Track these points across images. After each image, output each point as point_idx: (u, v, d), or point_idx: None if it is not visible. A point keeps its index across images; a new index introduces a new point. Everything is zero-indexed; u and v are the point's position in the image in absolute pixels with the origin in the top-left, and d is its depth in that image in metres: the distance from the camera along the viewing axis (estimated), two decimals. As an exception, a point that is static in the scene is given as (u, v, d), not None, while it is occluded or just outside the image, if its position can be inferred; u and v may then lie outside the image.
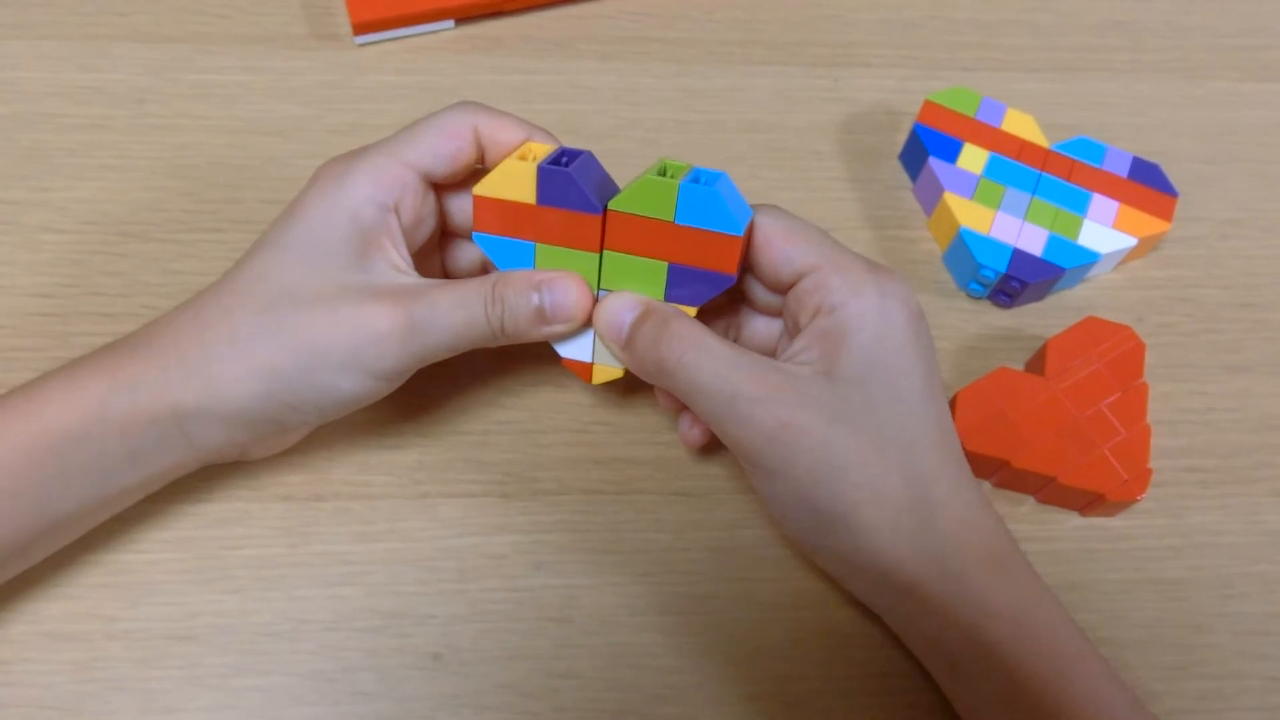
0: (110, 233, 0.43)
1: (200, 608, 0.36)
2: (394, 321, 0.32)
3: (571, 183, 0.33)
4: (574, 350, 0.36)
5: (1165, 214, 0.46)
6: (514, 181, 0.33)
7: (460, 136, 0.34)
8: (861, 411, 0.32)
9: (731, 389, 0.32)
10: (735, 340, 0.39)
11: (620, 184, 0.36)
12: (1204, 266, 0.48)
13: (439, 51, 0.50)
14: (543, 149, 0.35)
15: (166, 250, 0.43)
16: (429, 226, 0.36)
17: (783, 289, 0.35)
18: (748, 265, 0.35)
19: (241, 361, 0.32)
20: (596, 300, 0.35)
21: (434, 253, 0.39)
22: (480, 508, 0.39)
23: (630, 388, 0.42)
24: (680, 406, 0.38)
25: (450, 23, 0.50)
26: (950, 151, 0.46)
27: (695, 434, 0.38)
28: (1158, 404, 0.43)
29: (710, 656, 0.37)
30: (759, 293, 0.37)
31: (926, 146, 0.47)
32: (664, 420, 0.41)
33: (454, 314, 0.33)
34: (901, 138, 0.50)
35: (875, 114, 0.51)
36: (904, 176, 0.49)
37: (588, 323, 0.35)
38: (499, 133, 0.35)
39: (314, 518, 0.38)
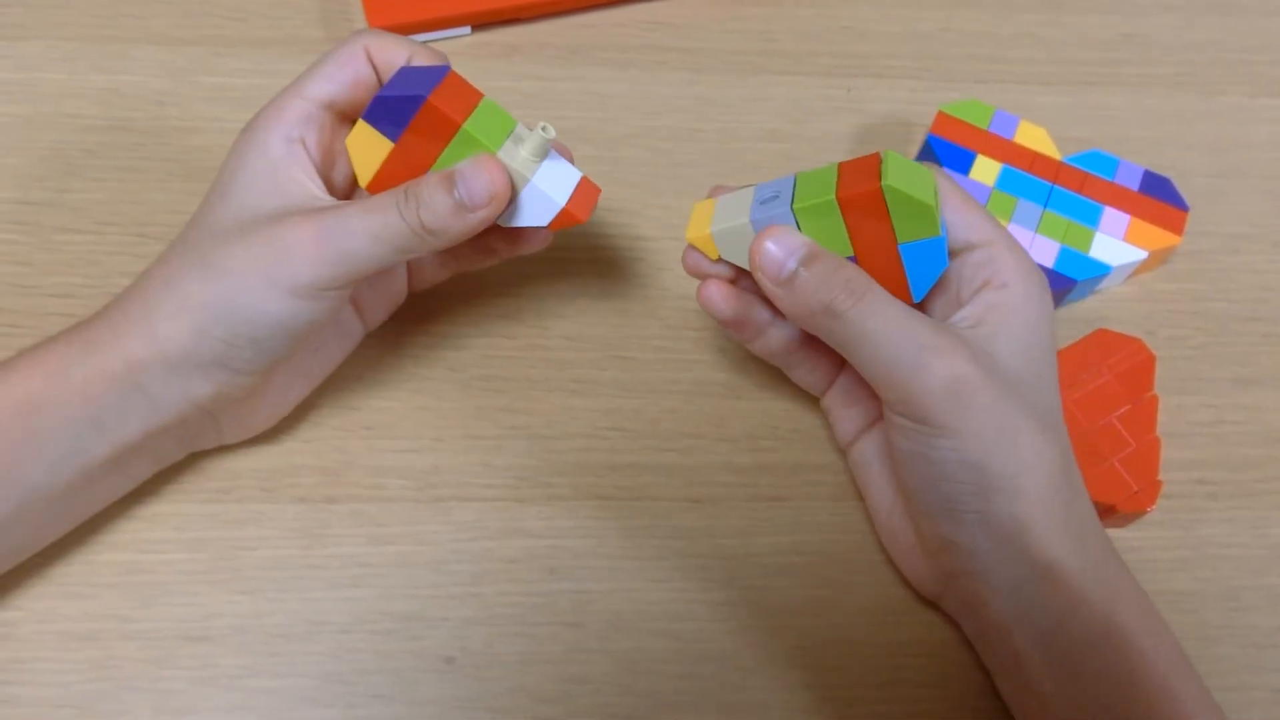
0: (129, 234, 0.43)
1: (214, 608, 0.37)
2: (302, 232, 0.32)
3: (384, 101, 0.33)
4: (533, 215, 0.35)
5: (1176, 228, 0.46)
6: (366, 143, 0.34)
7: (353, 60, 0.36)
8: (1027, 385, 0.33)
9: (913, 336, 0.32)
10: None
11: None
12: (1214, 280, 0.48)
13: (454, 57, 0.49)
14: None
15: (183, 252, 0.43)
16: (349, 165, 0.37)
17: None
18: None
19: (171, 301, 0.33)
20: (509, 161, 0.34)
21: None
22: (494, 512, 0.39)
23: (640, 395, 0.42)
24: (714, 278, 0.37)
25: (466, 29, 0.51)
26: (963, 163, 0.47)
27: (722, 294, 0.37)
28: (1167, 416, 0.43)
29: (721, 663, 0.37)
30: None
31: (939, 158, 0.47)
32: (677, 427, 0.42)
33: (365, 218, 0.33)
34: (914, 149, 0.50)
35: (888, 125, 0.51)
36: (916, 187, 0.49)
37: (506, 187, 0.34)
38: (387, 52, 0.36)
39: (328, 520, 0.38)
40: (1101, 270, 0.45)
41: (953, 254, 0.35)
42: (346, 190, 0.38)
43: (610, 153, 0.48)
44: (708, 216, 0.36)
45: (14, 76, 0.47)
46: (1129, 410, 0.41)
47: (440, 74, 0.34)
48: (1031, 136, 0.48)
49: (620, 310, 0.44)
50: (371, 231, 0.33)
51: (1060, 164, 0.47)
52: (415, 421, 0.41)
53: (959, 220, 0.35)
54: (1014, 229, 0.45)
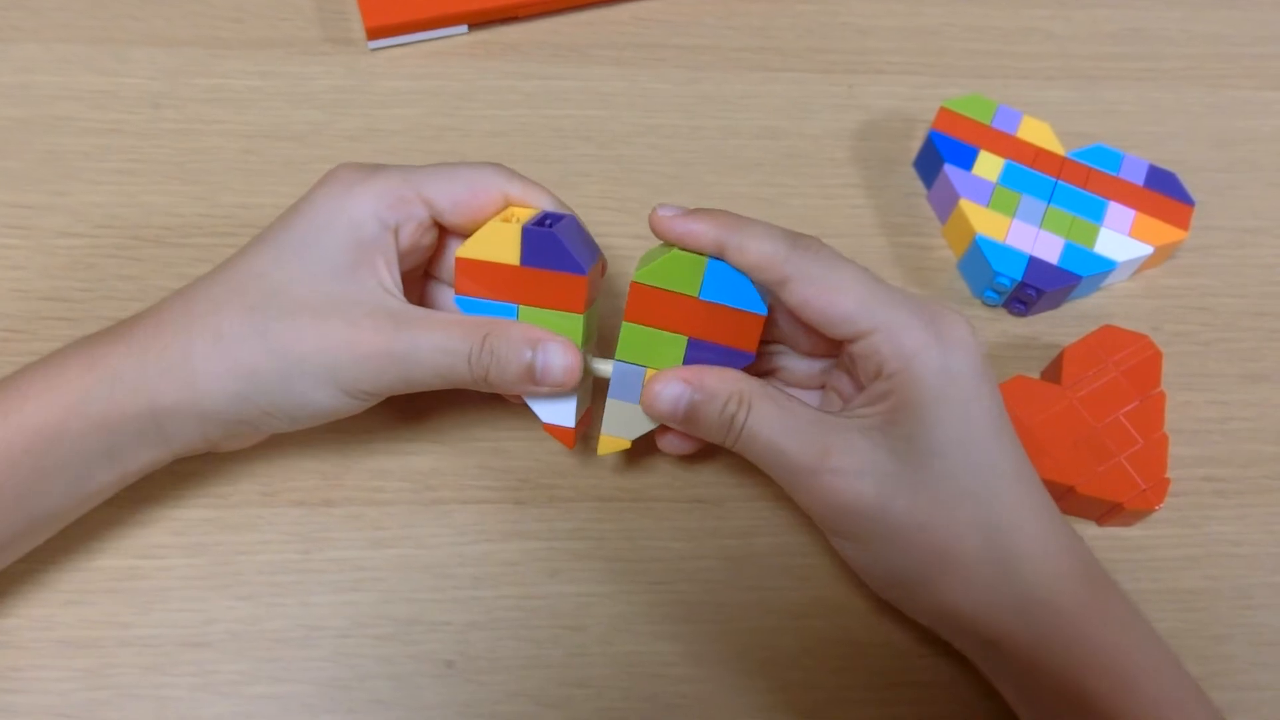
0: (125, 236, 0.43)
1: (213, 614, 0.36)
2: (374, 347, 0.32)
3: (556, 243, 0.33)
4: (555, 415, 0.36)
5: (1182, 222, 0.46)
6: (498, 243, 0.33)
7: (485, 196, 0.34)
8: (927, 471, 0.31)
9: (789, 461, 0.32)
10: (773, 376, 0.38)
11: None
12: (1221, 275, 0.48)
13: (452, 56, 0.50)
14: (526, 212, 0.35)
15: (181, 254, 0.43)
16: (418, 259, 0.36)
17: (835, 346, 0.35)
18: (794, 316, 0.34)
19: (222, 360, 0.32)
20: (586, 365, 0.34)
21: (418, 281, 0.38)
22: (494, 514, 0.39)
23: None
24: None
25: (464, 28, 0.50)
26: (966, 158, 0.46)
27: (674, 442, 0.37)
28: (1175, 413, 0.43)
29: (724, 665, 0.37)
30: (800, 341, 0.36)
31: (942, 153, 0.46)
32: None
33: (435, 356, 0.33)
34: (917, 144, 0.49)
35: (890, 121, 0.50)
36: (919, 183, 0.49)
37: (570, 390, 0.34)
38: (526, 201, 0.35)
39: (327, 523, 0.38)
40: (1107, 266, 0.44)
41: (838, 345, 0.34)
42: (408, 278, 0.37)
43: (610, 151, 0.48)
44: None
45: (10, 79, 0.46)
46: (1136, 407, 0.41)
47: (595, 256, 0.35)
48: (1035, 132, 0.47)
49: (620, 309, 0.44)
50: (438, 368, 0.33)
51: (1064, 159, 0.47)
52: (413, 423, 0.40)
53: (826, 318, 0.32)
54: (1018, 225, 0.45)
